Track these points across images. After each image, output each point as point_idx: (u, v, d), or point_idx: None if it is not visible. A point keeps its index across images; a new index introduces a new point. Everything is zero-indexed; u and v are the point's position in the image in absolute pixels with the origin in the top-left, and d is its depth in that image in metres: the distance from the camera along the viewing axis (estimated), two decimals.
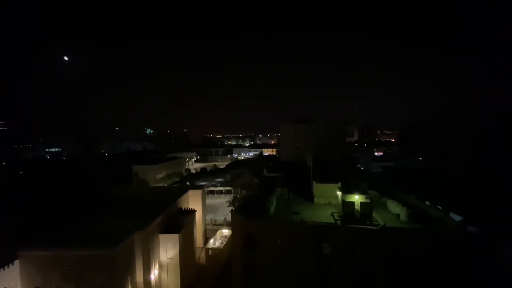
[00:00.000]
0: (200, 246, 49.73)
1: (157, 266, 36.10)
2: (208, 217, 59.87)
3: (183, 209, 46.13)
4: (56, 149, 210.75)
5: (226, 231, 53.30)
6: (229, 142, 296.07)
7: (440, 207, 34.15)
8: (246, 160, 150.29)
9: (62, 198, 52.29)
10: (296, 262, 28.13)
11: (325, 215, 33.79)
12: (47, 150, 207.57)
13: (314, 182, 40.01)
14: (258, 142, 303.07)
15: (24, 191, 68.31)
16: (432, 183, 63.98)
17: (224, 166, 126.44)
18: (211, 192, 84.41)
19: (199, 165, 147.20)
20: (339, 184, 36.72)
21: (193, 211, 45.95)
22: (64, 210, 41.86)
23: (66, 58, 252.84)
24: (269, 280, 28.99)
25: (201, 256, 48.31)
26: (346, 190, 32.51)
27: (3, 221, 36.65)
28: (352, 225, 28.78)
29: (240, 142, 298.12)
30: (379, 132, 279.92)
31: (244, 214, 31.20)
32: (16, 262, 27.50)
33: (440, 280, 25.61)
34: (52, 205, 46.68)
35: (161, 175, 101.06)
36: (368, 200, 30.93)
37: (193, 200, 52.19)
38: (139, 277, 32.20)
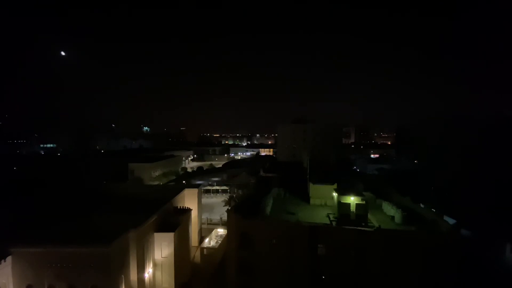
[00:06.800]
0: (195, 245, 49.58)
1: (151, 265, 35.92)
2: (204, 216, 59.71)
3: (178, 207, 45.94)
4: (51, 145, 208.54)
5: (221, 231, 53.21)
6: (226, 142, 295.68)
7: (434, 210, 34.48)
8: (243, 160, 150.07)
9: (57, 195, 51.75)
10: (291, 262, 28.21)
11: (321, 216, 33.93)
12: (42, 145, 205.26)
13: (310, 183, 40.14)
14: (255, 142, 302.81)
15: (17, 186, 67.47)
16: (427, 186, 64.50)
17: (220, 166, 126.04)
18: (207, 191, 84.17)
19: (195, 164, 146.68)
20: (335, 185, 36.92)
21: (188, 210, 45.80)
22: (58, 206, 41.47)
23: (63, 53, 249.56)
24: (264, 280, 29.03)
25: (196, 255, 48.17)
26: (342, 192, 32.69)
27: None
28: (347, 226, 28.96)
29: (237, 142, 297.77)
30: (375, 134, 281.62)
31: (240, 213, 31.20)
32: (9, 258, 27.18)
33: (434, 281, 25.86)
34: (46, 201, 46.19)
35: (157, 173, 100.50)
36: (364, 202, 31.14)
37: (189, 199, 52.01)
38: (133, 275, 32.01)
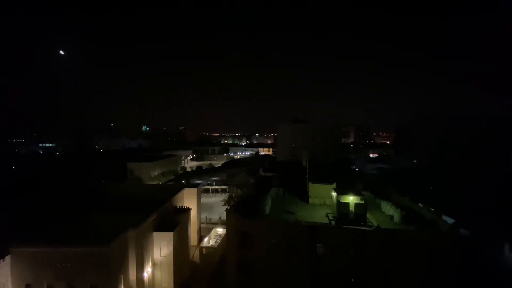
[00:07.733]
0: (194, 245, 49.59)
1: (150, 264, 35.92)
2: (203, 215, 59.71)
3: (178, 207, 45.93)
4: (50, 145, 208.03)
5: (220, 230, 53.21)
6: (226, 141, 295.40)
7: (433, 210, 34.52)
8: (242, 159, 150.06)
9: (55, 194, 51.66)
10: (291, 262, 28.22)
11: (320, 215, 33.95)
12: (40, 145, 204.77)
13: (309, 182, 40.15)
14: (255, 141, 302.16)
15: (16, 186, 67.34)
16: (425, 186, 64.63)
17: (220, 165, 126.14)
18: (207, 190, 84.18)
19: (195, 164, 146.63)
20: (334, 185, 36.94)
21: (188, 210, 45.77)
22: (57, 206, 41.38)
23: (62, 52, 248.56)
24: (263, 279, 29.04)
25: (195, 255, 48.18)
26: (341, 191, 32.70)
27: None
28: (346, 226, 28.98)
29: (236, 141, 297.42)
30: (374, 134, 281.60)
31: (239, 213, 31.20)
32: (7, 258, 27.10)
33: (433, 281, 25.92)
34: (45, 201, 46.11)
35: (156, 173, 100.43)
36: (363, 201, 31.15)
37: (188, 199, 52.01)
38: (132, 275, 32.00)
